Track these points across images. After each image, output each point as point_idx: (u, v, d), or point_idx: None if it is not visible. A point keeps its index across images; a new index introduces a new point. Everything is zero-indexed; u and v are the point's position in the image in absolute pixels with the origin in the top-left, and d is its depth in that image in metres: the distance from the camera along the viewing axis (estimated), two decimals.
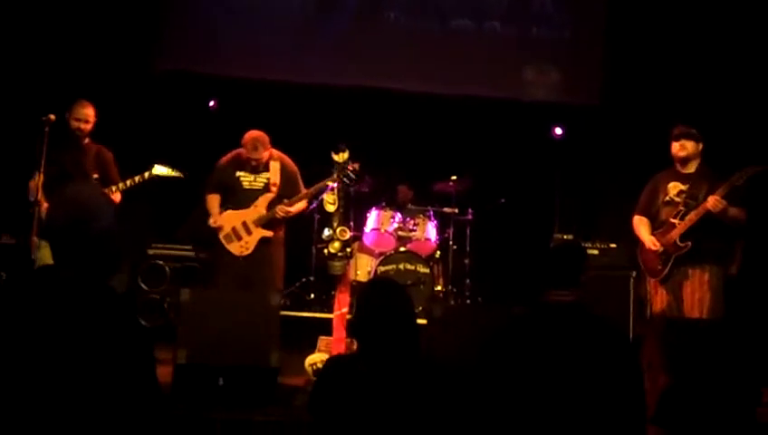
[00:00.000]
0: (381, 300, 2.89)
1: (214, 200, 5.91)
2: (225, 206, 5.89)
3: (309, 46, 8.31)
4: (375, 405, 2.71)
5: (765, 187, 5.10)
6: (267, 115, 7.75)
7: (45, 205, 5.39)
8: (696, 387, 4.01)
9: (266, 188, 5.86)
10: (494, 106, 8.42)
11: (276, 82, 8.23)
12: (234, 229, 5.79)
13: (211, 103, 8.42)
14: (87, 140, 5.68)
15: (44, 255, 5.42)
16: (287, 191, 5.88)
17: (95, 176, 5.58)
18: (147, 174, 5.63)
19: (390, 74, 8.29)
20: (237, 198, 5.86)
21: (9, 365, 2.15)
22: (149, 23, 7.98)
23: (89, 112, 5.63)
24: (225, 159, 5.99)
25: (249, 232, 5.80)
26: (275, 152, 5.93)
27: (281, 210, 5.80)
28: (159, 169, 5.66)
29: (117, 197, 5.59)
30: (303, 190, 5.88)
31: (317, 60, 8.27)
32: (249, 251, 5.79)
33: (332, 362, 3.02)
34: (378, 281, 3.25)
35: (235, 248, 5.78)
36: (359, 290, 2.98)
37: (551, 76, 8.53)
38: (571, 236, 7.11)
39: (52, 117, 5.36)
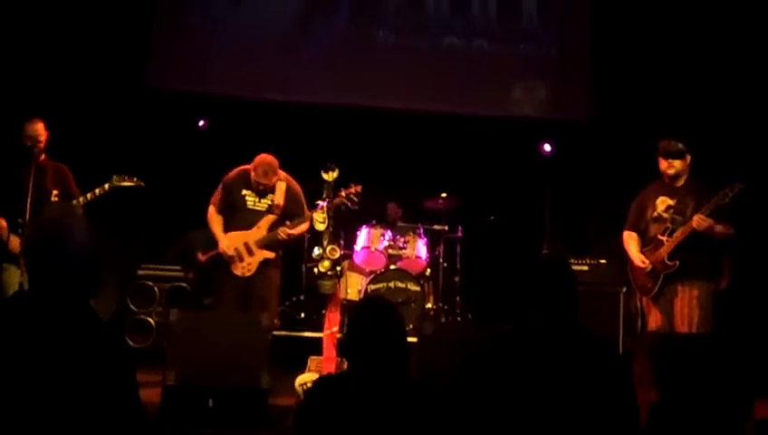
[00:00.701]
0: (373, 319, 2.87)
1: (219, 222, 5.86)
2: (225, 225, 5.87)
3: (298, 65, 8.32)
4: (364, 425, 2.70)
5: (751, 202, 5.11)
6: (257, 134, 7.78)
7: (3, 224, 5.39)
8: (686, 402, 4.00)
9: (269, 210, 5.84)
10: (482, 123, 8.44)
11: (266, 100, 8.24)
12: (236, 250, 5.76)
13: (201, 123, 8.42)
14: (43, 157, 5.61)
15: (8, 278, 5.42)
16: (291, 212, 5.88)
17: (55, 192, 5.55)
18: (107, 186, 5.59)
19: (379, 92, 8.31)
20: (239, 216, 5.83)
21: None
22: (139, 42, 7.97)
23: (39, 128, 5.56)
24: (233, 174, 5.93)
25: (251, 253, 5.77)
26: (282, 174, 5.91)
27: (283, 232, 5.79)
28: (118, 180, 5.61)
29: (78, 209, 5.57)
30: (307, 212, 5.87)
31: (306, 79, 8.28)
32: (251, 272, 5.78)
33: (321, 381, 3.00)
34: (369, 300, 3.23)
35: (237, 269, 5.76)
36: (350, 309, 2.96)
37: (539, 93, 8.56)
38: (554, 252, 7.12)
39: None
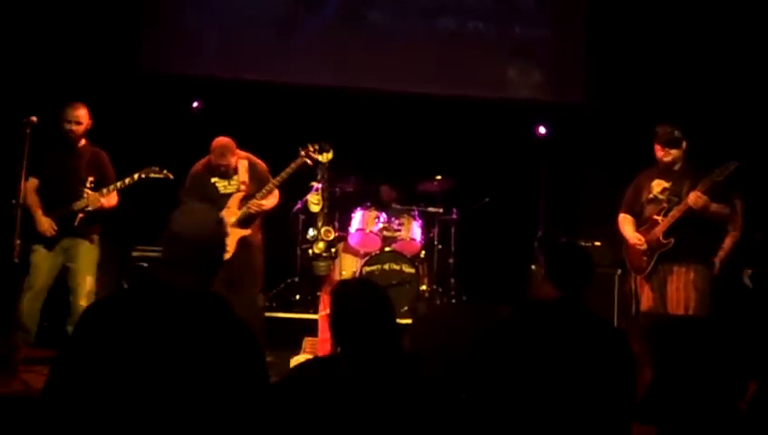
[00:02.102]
0: (354, 300, 2.87)
1: None
2: None
3: (291, 47, 8.30)
4: (358, 405, 2.69)
5: (746, 183, 5.12)
6: (250, 116, 7.76)
7: (38, 209, 5.41)
8: (680, 382, 4.02)
9: (238, 190, 5.86)
10: (477, 105, 8.43)
11: (259, 82, 8.21)
12: None
13: (194, 104, 8.40)
14: (82, 142, 5.61)
15: (37, 258, 5.43)
16: (259, 188, 5.86)
17: (90, 179, 5.51)
18: (136, 175, 5.58)
19: (373, 74, 8.29)
20: (215, 204, 5.77)
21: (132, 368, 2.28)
22: (131, 25, 7.94)
23: (80, 114, 5.56)
24: (198, 166, 5.98)
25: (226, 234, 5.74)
26: (242, 153, 5.93)
27: (253, 205, 5.78)
28: (150, 171, 5.62)
29: (112, 197, 5.56)
30: (272, 181, 5.86)
31: (300, 60, 8.25)
32: (230, 253, 5.76)
33: (312, 362, 2.98)
34: (349, 281, 3.22)
35: None
36: (332, 292, 2.95)
37: (533, 75, 8.55)
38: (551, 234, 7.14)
39: (34, 119, 5.32)
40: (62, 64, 7.46)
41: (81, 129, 5.57)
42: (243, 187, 5.85)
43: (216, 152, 5.80)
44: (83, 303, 5.50)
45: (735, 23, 7.45)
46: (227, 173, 5.85)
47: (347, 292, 2.93)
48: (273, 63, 8.29)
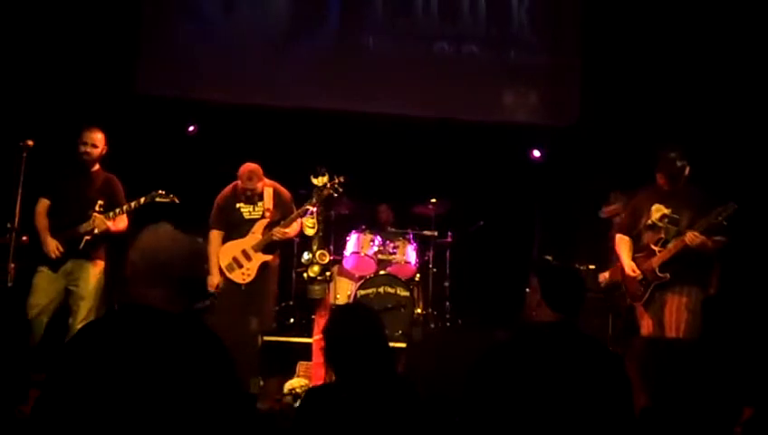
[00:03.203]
0: (347, 326, 2.89)
1: (217, 238, 5.92)
2: (225, 239, 5.93)
3: (288, 70, 8.32)
4: (361, 431, 2.69)
5: (740, 206, 5.10)
6: (247, 139, 7.77)
7: (46, 231, 5.43)
8: (675, 406, 4.02)
9: (263, 217, 5.93)
10: (472, 129, 8.46)
11: (255, 106, 8.24)
12: (234, 259, 5.84)
13: (191, 128, 8.41)
14: (96, 167, 5.66)
15: (40, 280, 5.43)
16: (282, 215, 5.95)
17: (100, 202, 5.55)
18: (142, 199, 5.62)
19: (368, 98, 8.32)
20: (240, 229, 5.93)
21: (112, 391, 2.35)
22: (128, 49, 7.97)
23: (96, 137, 5.61)
24: (224, 192, 6.06)
25: (249, 259, 5.85)
26: (268, 181, 6.03)
27: (278, 232, 5.86)
28: (157, 195, 5.65)
29: (120, 221, 5.60)
30: (294, 210, 5.95)
31: (296, 84, 8.28)
32: (251, 277, 5.82)
33: (312, 392, 2.99)
34: (340, 308, 3.24)
35: (237, 277, 5.81)
36: (327, 318, 2.97)
37: (529, 98, 8.59)
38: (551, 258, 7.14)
39: (30, 142, 5.34)
40: (60, 87, 7.47)
41: (96, 152, 5.61)
42: (267, 213, 5.92)
43: (243, 177, 5.88)
44: (79, 327, 5.49)
45: (729, 44, 7.49)
46: (253, 199, 5.93)
47: (338, 319, 2.95)
48: (269, 87, 8.30)
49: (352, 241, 7.65)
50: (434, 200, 7.93)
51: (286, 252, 7.58)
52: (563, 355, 2.94)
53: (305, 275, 6.12)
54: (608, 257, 6.49)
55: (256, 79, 8.30)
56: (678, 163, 5.19)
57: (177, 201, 5.72)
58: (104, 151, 5.65)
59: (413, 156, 8.29)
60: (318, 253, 5.95)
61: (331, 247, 7.55)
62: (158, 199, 5.63)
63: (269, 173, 6.09)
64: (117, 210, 5.56)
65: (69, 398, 2.36)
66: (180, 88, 8.19)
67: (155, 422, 2.33)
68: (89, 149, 5.57)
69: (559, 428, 2.80)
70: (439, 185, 8.08)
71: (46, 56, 7.48)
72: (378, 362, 2.80)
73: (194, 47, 8.27)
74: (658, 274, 5.14)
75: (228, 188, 6.06)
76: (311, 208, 5.90)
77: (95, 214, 5.48)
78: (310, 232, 5.99)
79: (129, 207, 5.58)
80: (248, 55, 8.30)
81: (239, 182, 5.93)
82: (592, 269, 6.95)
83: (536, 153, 8.72)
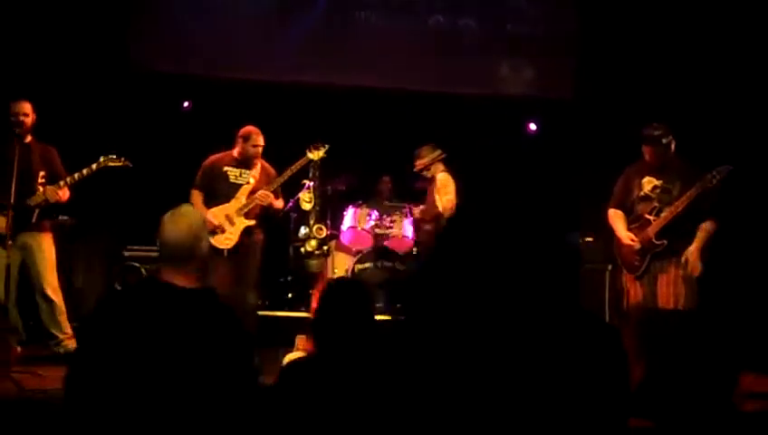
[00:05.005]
0: (330, 300, 2.92)
1: (199, 197, 5.93)
2: (208, 203, 5.90)
3: (281, 45, 8.28)
4: (337, 406, 2.72)
5: (734, 181, 5.11)
6: (242, 114, 7.72)
7: None
8: (672, 376, 4.04)
9: (248, 183, 5.93)
10: (468, 102, 8.43)
11: (250, 81, 8.21)
12: (218, 225, 5.82)
13: (185, 104, 8.39)
14: (29, 138, 5.60)
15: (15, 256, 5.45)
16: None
17: (42, 173, 5.56)
18: (94, 166, 5.62)
19: (364, 72, 8.30)
20: (221, 190, 5.91)
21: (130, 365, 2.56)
22: (122, 24, 7.92)
23: (26, 106, 5.56)
24: (214, 156, 6.06)
25: (232, 223, 5.85)
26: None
27: (261, 194, 5.84)
28: (105, 160, 5.64)
29: (65, 192, 5.59)
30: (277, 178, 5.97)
31: (291, 58, 8.25)
32: (234, 241, 5.81)
33: (293, 364, 3.01)
34: (332, 282, 3.26)
35: (220, 242, 5.79)
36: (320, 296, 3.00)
37: (525, 71, 8.56)
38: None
39: None
40: (53, 62, 7.44)
41: (29, 121, 5.56)
42: (253, 179, 5.91)
43: (253, 135, 5.88)
44: (54, 298, 5.57)
45: (726, 18, 7.47)
46: (248, 162, 5.91)
47: (324, 294, 2.99)
48: (263, 61, 8.28)
49: (349, 215, 7.66)
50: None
51: (284, 227, 7.61)
52: (559, 328, 2.93)
53: (302, 249, 6.14)
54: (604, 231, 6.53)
55: (249, 54, 8.26)
56: (656, 133, 5.21)
57: (129, 165, 5.74)
58: (35, 121, 5.60)
59: (410, 130, 8.25)
60: (315, 227, 5.97)
61: (329, 222, 7.55)
62: (110, 164, 5.63)
63: (267, 148, 6.09)
64: (68, 179, 5.56)
65: (98, 374, 2.57)
66: (174, 63, 8.16)
67: (180, 395, 2.54)
68: (22, 119, 5.51)
69: (554, 402, 2.81)
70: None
71: (43, 33, 7.44)
72: (359, 337, 2.83)
73: (187, 23, 8.21)
74: (655, 241, 5.16)
75: (216, 155, 6.04)
76: (307, 183, 5.91)
77: (46, 186, 5.49)
78: (307, 206, 6.00)
79: (82, 174, 5.57)
80: (241, 30, 8.24)
81: (251, 138, 5.89)
82: (589, 241, 6.97)
83: (532, 126, 8.70)
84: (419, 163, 6.86)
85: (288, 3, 8.41)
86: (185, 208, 2.96)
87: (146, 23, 8.16)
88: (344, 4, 8.46)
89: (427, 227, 7.17)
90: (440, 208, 6.62)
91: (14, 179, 5.19)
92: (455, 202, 6.64)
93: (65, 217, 6.46)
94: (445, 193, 6.59)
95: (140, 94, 7.95)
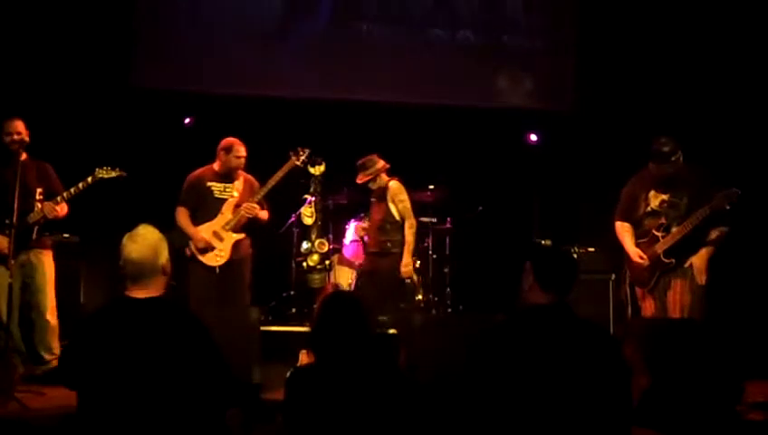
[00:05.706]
0: (326, 312, 2.95)
1: (185, 215, 5.92)
2: (194, 219, 5.92)
3: (282, 60, 8.31)
4: (341, 415, 2.74)
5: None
6: (243, 130, 7.73)
7: None
8: (677, 386, 4.02)
9: (232, 196, 5.93)
10: (469, 114, 8.44)
11: (251, 96, 8.22)
12: (206, 242, 5.80)
13: (187, 120, 8.40)
14: (24, 156, 5.59)
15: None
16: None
17: (39, 190, 5.56)
18: (89, 179, 5.62)
19: (364, 86, 8.31)
20: (206, 207, 5.92)
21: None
22: (123, 41, 7.94)
23: (19, 125, 5.56)
24: (195, 173, 6.06)
25: (221, 239, 5.84)
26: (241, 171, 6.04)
27: (246, 206, 5.84)
28: (101, 172, 5.65)
29: (63, 207, 5.60)
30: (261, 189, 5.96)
31: (291, 74, 8.27)
32: (225, 258, 5.80)
33: (297, 371, 3.05)
34: (330, 296, 3.29)
35: (211, 260, 5.79)
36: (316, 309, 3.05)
37: (525, 83, 8.57)
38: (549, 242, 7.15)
39: None
40: (54, 80, 7.46)
41: (22, 139, 5.54)
42: (236, 193, 5.90)
43: (235, 146, 5.89)
44: (49, 318, 5.55)
45: (725, 29, 7.48)
46: (230, 176, 5.91)
47: (320, 306, 3.02)
48: (263, 77, 8.30)
49: (351, 229, 7.65)
50: (432, 187, 7.92)
51: (286, 242, 7.60)
52: (557, 337, 2.92)
53: (305, 264, 6.13)
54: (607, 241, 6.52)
55: (251, 70, 8.27)
56: (665, 148, 5.16)
57: (124, 175, 5.74)
58: (27, 139, 5.57)
59: (411, 142, 8.26)
60: (317, 242, 5.97)
61: (330, 236, 7.54)
62: (105, 177, 5.64)
63: (267, 163, 6.09)
64: (65, 194, 5.56)
65: (83, 392, 2.94)
66: (176, 80, 8.18)
67: (159, 398, 2.85)
68: (16, 138, 5.51)
69: (555, 409, 2.80)
70: (437, 171, 8.05)
71: (42, 49, 7.47)
72: (356, 348, 2.85)
73: (188, 39, 8.24)
74: (663, 259, 5.14)
75: (200, 170, 6.05)
76: (308, 198, 5.91)
77: (43, 202, 5.49)
78: (308, 221, 6.01)
79: (78, 189, 5.57)
80: (242, 46, 8.25)
81: (233, 150, 5.89)
82: (592, 252, 6.96)
83: (533, 137, 8.71)
84: (365, 175, 6.59)
85: (289, 19, 8.42)
86: (143, 229, 3.13)
87: (146, 40, 8.17)
88: (345, 17, 8.48)
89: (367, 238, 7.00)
90: (396, 217, 6.51)
91: (16, 198, 5.18)
92: (410, 207, 6.53)
93: (68, 236, 6.47)
94: (400, 200, 6.47)
95: (141, 111, 7.95)
